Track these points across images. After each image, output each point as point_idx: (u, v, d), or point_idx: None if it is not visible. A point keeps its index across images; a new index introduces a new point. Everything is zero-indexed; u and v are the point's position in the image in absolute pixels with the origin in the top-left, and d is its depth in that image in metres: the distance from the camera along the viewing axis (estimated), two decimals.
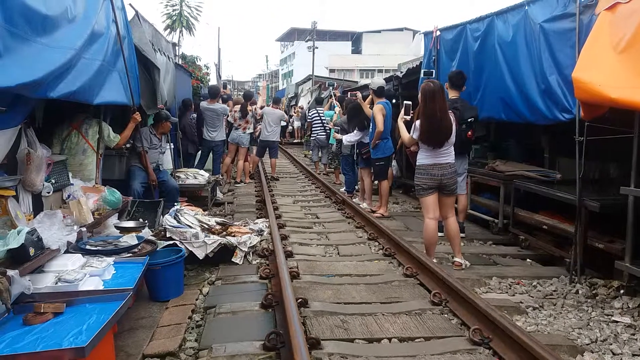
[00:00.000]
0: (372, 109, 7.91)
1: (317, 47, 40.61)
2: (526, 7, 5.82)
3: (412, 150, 5.16)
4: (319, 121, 12.67)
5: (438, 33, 7.89)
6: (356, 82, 28.13)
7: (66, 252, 3.65)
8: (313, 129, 13.10)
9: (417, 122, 4.87)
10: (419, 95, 4.90)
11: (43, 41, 3.42)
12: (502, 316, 3.35)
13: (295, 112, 25.29)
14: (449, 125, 4.83)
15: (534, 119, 5.85)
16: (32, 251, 3.18)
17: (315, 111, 12.99)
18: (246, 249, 5.16)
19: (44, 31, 3.47)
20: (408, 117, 5.17)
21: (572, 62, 4.86)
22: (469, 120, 5.61)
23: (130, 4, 6.06)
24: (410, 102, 5.32)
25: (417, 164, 5.04)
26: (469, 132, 5.65)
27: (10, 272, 2.85)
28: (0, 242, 3.08)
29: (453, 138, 4.90)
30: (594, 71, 3.97)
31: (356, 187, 9.68)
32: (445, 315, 3.83)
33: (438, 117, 4.74)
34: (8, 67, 2.88)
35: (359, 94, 8.61)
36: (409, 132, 5.08)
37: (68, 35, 3.90)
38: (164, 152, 7.20)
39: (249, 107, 11.13)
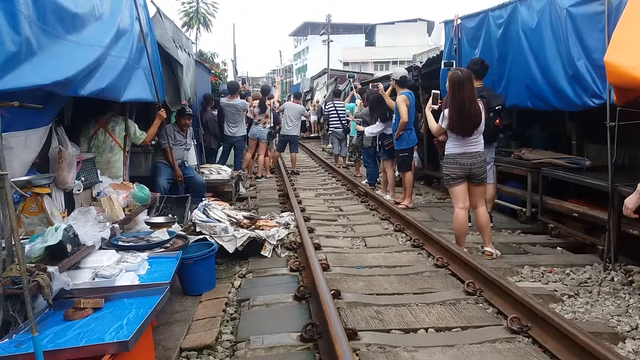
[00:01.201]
0: (393, 99, 7.87)
1: (331, 41, 40.41)
2: None
3: (441, 140, 5.11)
4: (335, 114, 12.63)
5: (459, 21, 7.78)
6: (371, 74, 28.01)
7: (100, 248, 3.68)
8: (330, 122, 13.06)
9: (446, 111, 4.82)
10: (447, 84, 4.84)
11: (73, 39, 3.44)
12: (541, 304, 3.31)
13: (311, 106, 25.25)
14: (478, 113, 4.77)
15: (562, 105, 5.76)
16: (69, 248, 3.21)
17: (332, 104, 12.95)
18: (274, 242, 5.17)
19: (74, 29, 3.49)
20: (436, 107, 5.11)
21: (601, 46, 4.79)
22: (497, 108, 5.54)
23: (152, 1, 6.08)
24: (438, 92, 5.26)
25: (445, 153, 4.99)
26: (497, 121, 5.57)
27: (50, 269, 2.88)
28: (39, 239, 3.12)
29: (482, 126, 4.84)
30: (627, 54, 3.88)
31: (378, 179, 9.65)
32: (481, 304, 3.79)
33: (467, 106, 4.68)
34: (42, 64, 2.90)
35: (381, 85, 8.56)
36: (437, 122, 5.03)
37: (96, 32, 3.91)
38: (189, 149, 7.24)
39: (267, 102, 11.14)
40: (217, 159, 10.32)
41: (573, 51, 5.35)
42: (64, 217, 3.77)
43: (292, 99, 12.67)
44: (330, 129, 13.10)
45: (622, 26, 4.14)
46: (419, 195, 8.92)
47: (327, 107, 13.60)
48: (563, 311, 3.73)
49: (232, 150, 10.52)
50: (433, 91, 5.30)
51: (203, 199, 5.97)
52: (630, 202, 3.56)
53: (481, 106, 4.86)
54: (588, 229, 5.44)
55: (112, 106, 5.28)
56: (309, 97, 29.75)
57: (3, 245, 2.76)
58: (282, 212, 7.04)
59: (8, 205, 2.45)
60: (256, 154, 11.31)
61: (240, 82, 12.47)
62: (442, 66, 7.66)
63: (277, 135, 11.88)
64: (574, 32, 5.32)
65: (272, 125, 11.15)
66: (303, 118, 12.58)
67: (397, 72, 7.92)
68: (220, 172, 8.01)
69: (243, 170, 10.47)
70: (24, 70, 2.70)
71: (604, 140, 4.72)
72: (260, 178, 11.13)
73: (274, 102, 11.63)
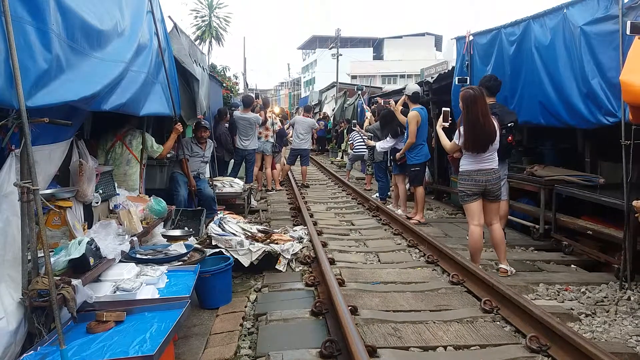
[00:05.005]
0: (405, 112, 7.91)
1: (340, 55, 40.61)
2: (565, 10, 5.76)
3: (455, 157, 5.14)
4: (361, 140, 12.69)
5: (471, 38, 7.84)
6: (380, 88, 28.08)
7: (120, 261, 3.72)
8: (355, 146, 13.08)
9: (461, 128, 4.85)
10: (460, 103, 4.88)
11: (98, 55, 3.51)
12: (560, 323, 3.31)
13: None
14: (493, 130, 4.80)
15: (575, 123, 5.78)
16: (91, 261, 3.25)
17: (357, 132, 12.97)
18: (289, 257, 5.19)
19: (99, 46, 3.55)
20: (447, 124, 5.15)
21: (616, 65, 4.82)
22: (509, 125, 5.56)
23: (169, 16, 6.16)
24: (448, 109, 5.30)
25: (460, 169, 5.01)
26: (509, 137, 5.59)
27: (74, 282, 2.92)
28: (63, 252, 3.15)
29: (497, 143, 4.87)
30: None
31: (389, 193, 9.67)
32: (498, 322, 3.79)
33: (481, 123, 4.71)
34: (71, 81, 2.96)
35: (392, 101, 8.61)
36: (449, 139, 5.07)
37: (119, 48, 3.98)
38: (207, 162, 7.29)
39: (267, 114, 11.19)
40: (229, 171, 10.37)
41: (587, 69, 5.38)
42: (84, 230, 3.82)
43: (301, 113, 12.71)
44: (355, 151, 13.16)
45: (637, 45, 4.17)
46: (429, 210, 8.91)
47: (352, 135, 13.71)
48: (581, 330, 3.71)
49: (244, 163, 10.56)
50: (443, 109, 5.34)
51: (219, 212, 6.01)
52: None
53: (495, 122, 4.88)
54: (602, 247, 5.43)
55: (130, 119, 5.35)
56: (317, 109, 29.87)
57: (28, 257, 2.80)
58: (294, 225, 7.06)
59: (39, 219, 2.50)
60: (263, 166, 11.34)
61: (254, 96, 12.54)
62: (456, 82, 7.72)
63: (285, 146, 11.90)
64: (588, 51, 5.36)
65: (274, 138, 11.16)
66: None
67: (410, 88, 7.97)
68: (232, 184, 8.07)
69: (254, 184, 10.51)
70: (54, 87, 2.76)
71: (617, 158, 4.73)
72: (270, 191, 11.16)
73: (275, 117, 11.66)
